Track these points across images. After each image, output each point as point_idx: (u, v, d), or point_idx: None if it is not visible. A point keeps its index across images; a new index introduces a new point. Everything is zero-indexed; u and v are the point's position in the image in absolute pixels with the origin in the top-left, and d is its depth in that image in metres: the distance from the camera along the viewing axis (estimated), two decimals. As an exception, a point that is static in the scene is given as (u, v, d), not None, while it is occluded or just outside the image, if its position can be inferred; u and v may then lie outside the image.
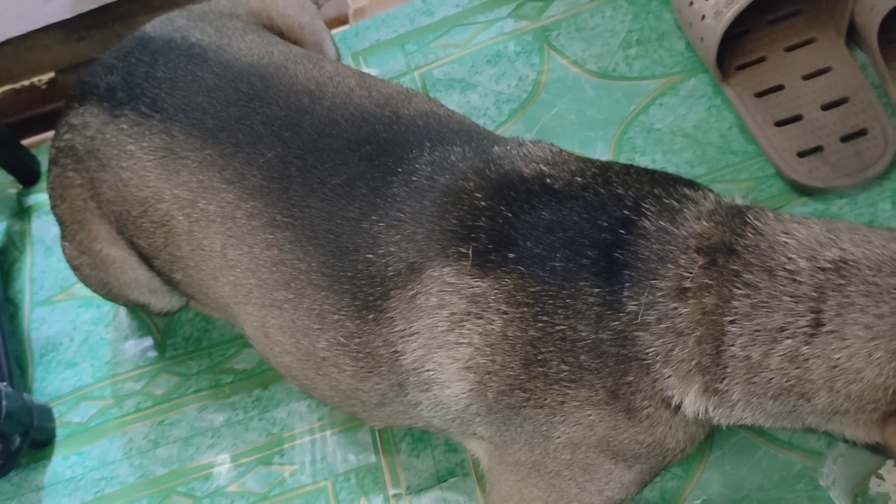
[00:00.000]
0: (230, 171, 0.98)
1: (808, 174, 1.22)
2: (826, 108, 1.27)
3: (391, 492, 1.13)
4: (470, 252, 0.85)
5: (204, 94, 1.03)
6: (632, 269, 0.81)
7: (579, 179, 0.88)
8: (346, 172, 0.95)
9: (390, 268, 0.89)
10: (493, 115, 1.38)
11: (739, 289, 0.77)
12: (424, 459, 1.14)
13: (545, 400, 0.84)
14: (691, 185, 0.88)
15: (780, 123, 1.27)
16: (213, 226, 1.00)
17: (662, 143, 1.30)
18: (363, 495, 1.14)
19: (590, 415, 0.84)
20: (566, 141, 1.32)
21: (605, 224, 0.83)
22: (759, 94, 1.30)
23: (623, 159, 1.29)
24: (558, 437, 0.87)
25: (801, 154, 1.24)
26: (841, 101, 1.27)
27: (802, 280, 0.76)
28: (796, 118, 1.27)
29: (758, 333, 0.76)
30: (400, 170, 0.93)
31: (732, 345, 0.77)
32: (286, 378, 1.07)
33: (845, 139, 1.24)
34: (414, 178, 0.92)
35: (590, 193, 0.86)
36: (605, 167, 0.91)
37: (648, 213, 0.82)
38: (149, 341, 1.32)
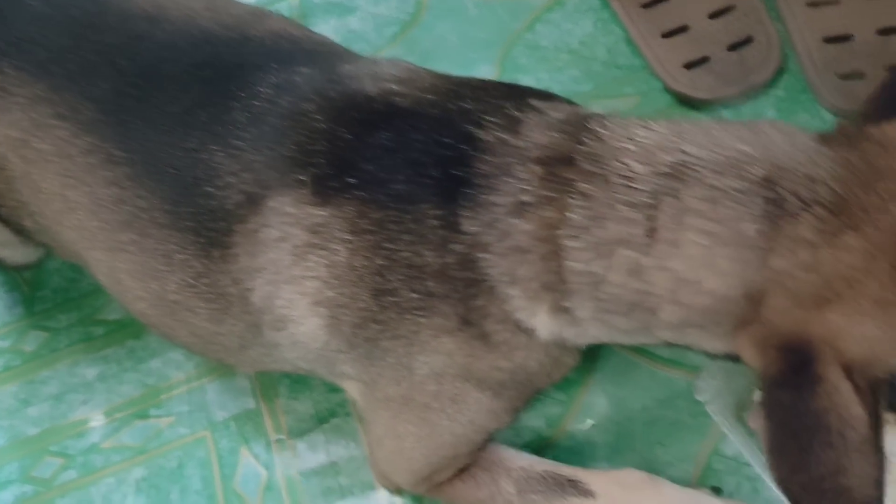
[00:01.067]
0: (63, 106, 0.91)
1: (692, 85, 1.17)
2: (713, 16, 1.22)
3: (273, 437, 1.09)
4: (308, 179, 0.79)
5: (34, 24, 0.95)
6: (471, 186, 0.75)
7: (430, 97, 0.82)
8: (186, 100, 0.88)
9: (230, 200, 0.83)
10: (373, 40, 1.31)
11: (575, 199, 0.72)
12: (304, 402, 1.09)
13: (400, 331, 0.80)
14: (546, 96, 0.83)
15: (666, 35, 1.23)
16: (50, 166, 0.92)
17: (547, 62, 1.25)
18: (244, 443, 1.09)
19: (446, 343, 0.79)
20: (449, 64, 1.25)
21: (449, 141, 0.77)
22: (646, 6, 1.25)
23: (507, 80, 1.24)
24: (420, 369, 0.83)
25: (688, 66, 1.20)
26: (727, 9, 1.22)
27: (638, 186, 0.71)
28: (683, 28, 1.23)
29: (597, 246, 0.72)
30: (242, 94, 0.86)
31: (573, 260, 0.73)
32: (147, 327, 1.01)
33: (732, 48, 1.19)
34: (255, 103, 0.85)
35: (437, 110, 0.81)
36: (462, 83, 0.85)
37: (490, 126, 0.77)
38: (15, 296, 1.24)
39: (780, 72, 1.17)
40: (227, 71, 0.89)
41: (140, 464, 1.10)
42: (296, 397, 1.10)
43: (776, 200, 0.69)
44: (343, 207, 0.78)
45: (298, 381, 1.10)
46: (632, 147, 0.73)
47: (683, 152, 0.71)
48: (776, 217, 0.68)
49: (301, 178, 0.80)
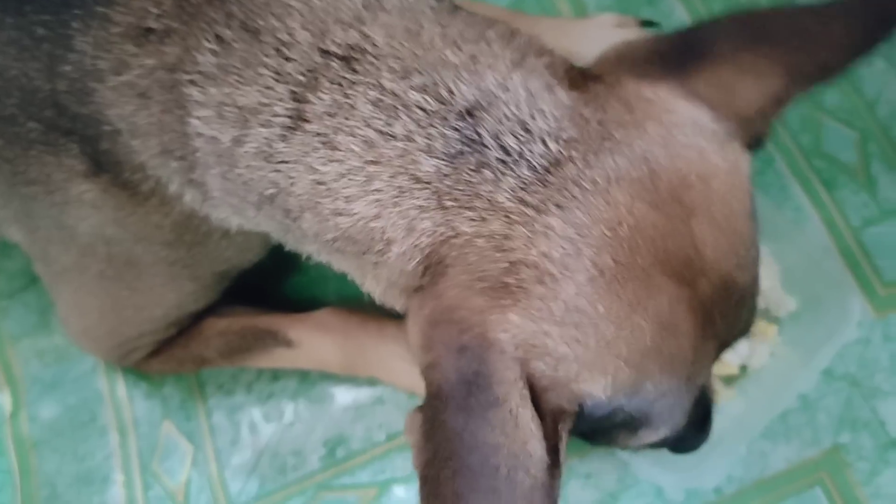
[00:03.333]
0: None
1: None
2: None
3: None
4: None
5: None
6: None
7: None
8: None
9: None
10: None
11: (209, 42, 0.61)
12: (16, 259, 1.02)
13: (31, 172, 0.72)
14: None
15: None
16: None
17: None
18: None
19: (87, 191, 0.71)
20: None
21: None
22: None
23: None
24: (81, 229, 0.77)
25: None
26: None
27: (293, 56, 0.59)
28: None
29: (225, 108, 0.62)
30: None
31: (196, 117, 0.63)
32: None
33: None
34: None
35: None
36: None
37: None
38: None
39: None
40: None
41: None
42: (8, 255, 1.03)
43: (473, 143, 0.56)
44: None
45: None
46: (302, 8, 0.60)
47: (366, 35, 0.59)
48: (467, 164, 0.56)
49: None
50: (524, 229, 0.55)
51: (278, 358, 0.93)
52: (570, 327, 0.54)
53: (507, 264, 0.55)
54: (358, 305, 0.92)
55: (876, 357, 0.88)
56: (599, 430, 0.62)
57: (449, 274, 0.57)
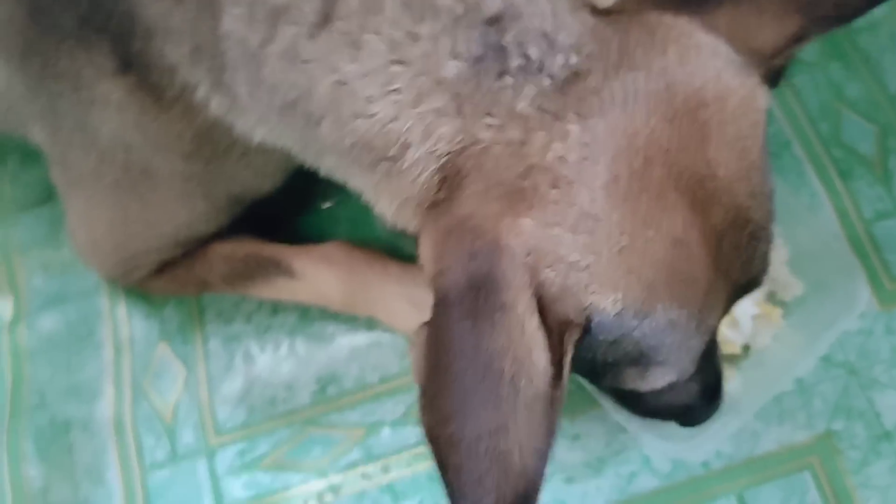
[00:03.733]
0: None
1: None
2: None
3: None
4: None
5: None
6: None
7: None
8: None
9: None
10: None
11: None
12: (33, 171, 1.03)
13: (61, 66, 0.73)
14: None
15: None
16: None
17: None
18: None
19: (113, 91, 0.73)
20: None
21: None
22: None
23: None
24: (102, 132, 0.78)
25: None
26: None
27: None
28: None
29: (256, 7, 0.62)
30: None
31: (229, 18, 0.64)
32: None
33: None
34: None
35: None
36: None
37: None
38: None
39: None
40: None
41: None
42: (27, 166, 1.04)
43: (497, 49, 0.57)
44: None
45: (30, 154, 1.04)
46: None
47: None
48: (489, 70, 0.57)
49: None
50: (542, 134, 0.55)
51: (280, 288, 0.93)
52: (583, 234, 0.54)
53: (522, 169, 0.55)
54: (365, 244, 0.92)
55: (877, 349, 0.88)
56: (606, 364, 0.61)
57: (465, 185, 0.57)
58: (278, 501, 0.88)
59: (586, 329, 0.56)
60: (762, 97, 0.59)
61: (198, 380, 0.94)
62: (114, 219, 0.87)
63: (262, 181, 0.85)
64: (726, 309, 0.63)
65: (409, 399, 0.91)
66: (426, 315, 0.57)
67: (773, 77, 0.60)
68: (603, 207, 0.54)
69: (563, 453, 0.87)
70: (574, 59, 0.56)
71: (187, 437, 0.92)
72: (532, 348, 0.53)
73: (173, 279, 0.93)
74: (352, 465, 0.89)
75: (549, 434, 0.54)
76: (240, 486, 0.90)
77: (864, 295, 0.84)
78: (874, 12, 0.99)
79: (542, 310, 0.54)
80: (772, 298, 0.90)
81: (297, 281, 0.91)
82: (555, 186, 0.55)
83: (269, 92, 0.65)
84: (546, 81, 0.56)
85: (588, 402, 0.82)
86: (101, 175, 0.82)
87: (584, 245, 0.54)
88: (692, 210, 0.56)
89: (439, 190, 0.59)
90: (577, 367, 0.60)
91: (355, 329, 0.94)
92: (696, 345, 0.62)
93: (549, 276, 0.55)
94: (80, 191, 0.87)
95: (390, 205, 0.64)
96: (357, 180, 0.66)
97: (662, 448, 0.85)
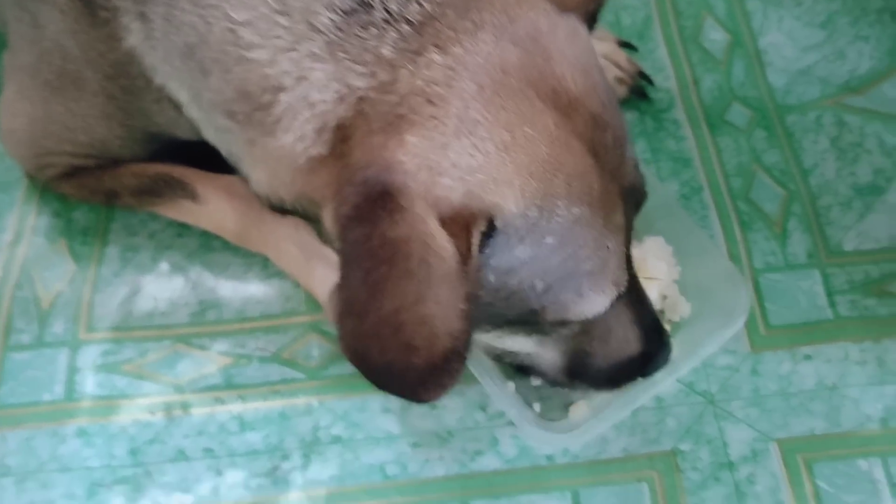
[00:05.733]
0: None
1: None
2: None
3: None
4: None
5: None
6: None
7: None
8: None
9: None
10: None
11: None
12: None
13: None
14: None
15: None
16: None
17: None
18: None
19: None
20: None
21: None
22: None
23: None
24: (47, 28, 0.83)
25: None
26: None
27: None
28: None
29: None
30: None
31: None
32: None
33: None
34: None
35: None
36: None
37: None
38: None
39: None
40: None
41: None
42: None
43: (365, 4, 0.64)
44: None
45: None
46: None
47: None
48: (357, 22, 0.64)
49: None
50: (409, 69, 0.62)
51: (184, 211, 0.95)
52: (466, 136, 0.61)
53: (397, 99, 0.62)
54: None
55: (739, 385, 0.89)
56: (542, 294, 0.65)
57: (350, 135, 0.63)
58: (124, 405, 0.88)
59: (492, 226, 0.62)
60: (585, 32, 0.68)
61: (85, 278, 0.96)
62: (35, 115, 0.90)
63: (176, 129, 0.87)
64: (627, 215, 0.68)
65: (284, 341, 0.92)
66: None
67: (590, 22, 0.71)
68: (478, 109, 0.61)
69: (416, 419, 0.88)
70: (427, 6, 0.64)
71: (58, 326, 0.93)
72: (435, 234, 0.59)
73: (83, 185, 0.96)
74: (209, 388, 0.90)
75: (468, 298, 0.60)
76: (93, 384, 0.90)
77: (739, 326, 0.86)
78: (805, 95, 1.07)
79: (446, 216, 0.60)
80: (661, 318, 0.92)
81: (199, 205, 0.93)
82: (430, 103, 0.61)
83: (176, 31, 0.71)
84: (405, 27, 0.63)
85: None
86: (38, 72, 0.87)
87: (470, 146, 0.61)
88: (558, 113, 0.62)
89: (330, 146, 0.65)
90: (519, 314, 0.66)
91: (250, 267, 0.96)
92: (615, 246, 0.66)
93: (445, 184, 0.61)
94: (16, 81, 0.91)
95: (265, 170, 0.70)
96: (238, 147, 0.73)
97: (510, 432, 0.86)
